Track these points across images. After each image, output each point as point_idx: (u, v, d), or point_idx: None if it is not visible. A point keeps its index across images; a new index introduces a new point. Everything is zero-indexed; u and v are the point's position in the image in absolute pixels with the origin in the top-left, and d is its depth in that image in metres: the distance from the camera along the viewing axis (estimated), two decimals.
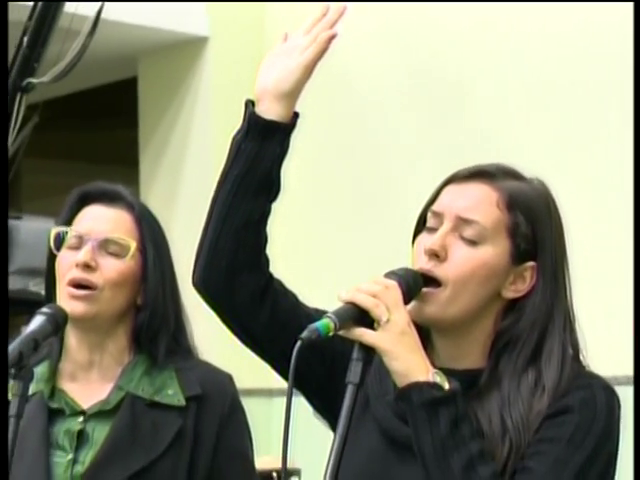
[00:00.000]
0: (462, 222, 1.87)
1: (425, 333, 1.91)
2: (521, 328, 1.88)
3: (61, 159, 6.27)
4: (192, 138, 5.26)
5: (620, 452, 1.88)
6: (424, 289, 1.86)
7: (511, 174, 1.93)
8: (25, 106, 4.43)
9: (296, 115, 2.00)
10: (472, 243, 1.87)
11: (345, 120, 5.16)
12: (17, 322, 2.28)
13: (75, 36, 4.27)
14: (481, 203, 1.88)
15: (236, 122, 5.92)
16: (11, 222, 4.70)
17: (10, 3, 4.69)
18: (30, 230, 4.43)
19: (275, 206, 2.02)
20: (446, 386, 1.80)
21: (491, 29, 4.75)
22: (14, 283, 4.56)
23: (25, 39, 4.41)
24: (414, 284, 1.85)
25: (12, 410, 2.08)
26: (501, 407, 1.84)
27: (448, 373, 1.87)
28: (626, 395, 3.67)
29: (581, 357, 1.92)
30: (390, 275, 1.85)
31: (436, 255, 1.87)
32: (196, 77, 5.24)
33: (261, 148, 1.98)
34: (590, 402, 1.84)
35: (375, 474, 1.91)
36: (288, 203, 5.11)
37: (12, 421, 2.07)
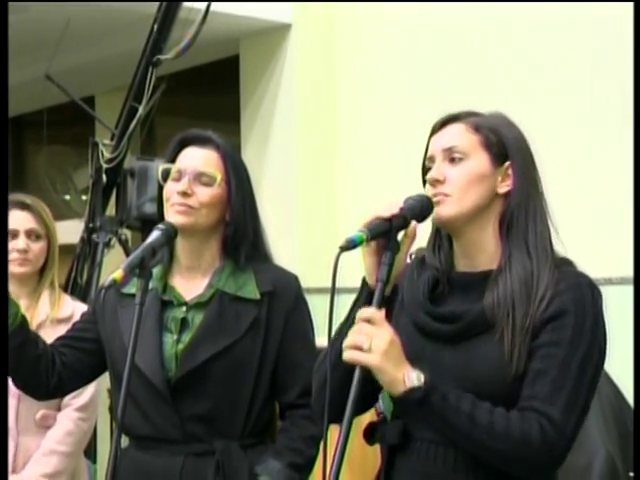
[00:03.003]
0: (447, 151, 1.87)
1: (449, 242, 1.91)
2: (513, 206, 1.86)
3: (183, 117, 6.25)
4: (279, 101, 5.22)
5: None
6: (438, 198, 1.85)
7: (473, 113, 1.93)
8: (155, 77, 4.44)
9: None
10: (459, 160, 1.86)
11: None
12: None
13: (191, 24, 4.26)
14: (456, 134, 1.89)
15: (311, 88, 5.87)
16: (147, 163, 4.70)
17: None
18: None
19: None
20: (422, 380, 1.74)
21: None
22: (149, 208, 4.57)
23: (155, 26, 4.42)
24: (427, 204, 1.85)
25: (137, 300, 2.08)
26: (507, 280, 1.81)
27: (467, 276, 1.87)
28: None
29: (554, 238, 1.89)
30: (407, 199, 1.84)
31: (437, 181, 1.86)
32: (282, 54, 5.19)
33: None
34: (580, 301, 1.80)
35: (409, 354, 1.85)
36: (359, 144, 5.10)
37: (137, 308, 2.07)
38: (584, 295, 1.81)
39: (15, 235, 3.03)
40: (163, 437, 2.27)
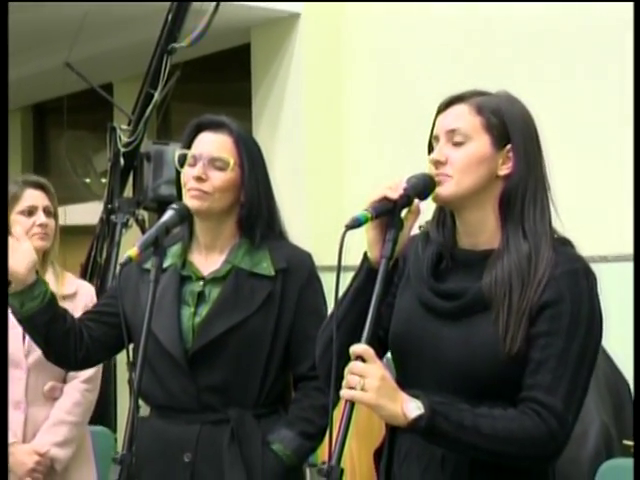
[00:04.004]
0: (450, 133, 1.82)
1: (453, 218, 1.86)
2: (510, 189, 1.80)
3: (197, 103, 6.23)
4: (289, 87, 5.19)
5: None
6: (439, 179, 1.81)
7: (478, 93, 1.87)
8: (170, 65, 4.41)
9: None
10: (461, 144, 1.81)
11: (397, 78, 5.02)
12: None
13: (204, 13, 4.24)
14: (459, 116, 1.83)
15: (319, 75, 5.85)
16: (162, 147, 4.69)
17: None
18: (175, 152, 4.40)
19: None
20: (422, 408, 1.67)
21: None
22: (165, 190, 4.57)
23: (169, 16, 4.39)
24: (429, 183, 1.80)
25: (151, 277, 2.06)
26: (505, 263, 1.77)
27: (470, 254, 1.83)
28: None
29: (553, 216, 1.84)
30: (410, 179, 1.80)
31: (439, 162, 1.81)
32: (291, 43, 5.16)
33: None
34: (575, 288, 1.75)
35: (413, 328, 1.85)
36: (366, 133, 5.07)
37: (151, 285, 2.05)
38: (579, 282, 1.76)
39: (32, 212, 2.99)
40: (179, 406, 2.26)
